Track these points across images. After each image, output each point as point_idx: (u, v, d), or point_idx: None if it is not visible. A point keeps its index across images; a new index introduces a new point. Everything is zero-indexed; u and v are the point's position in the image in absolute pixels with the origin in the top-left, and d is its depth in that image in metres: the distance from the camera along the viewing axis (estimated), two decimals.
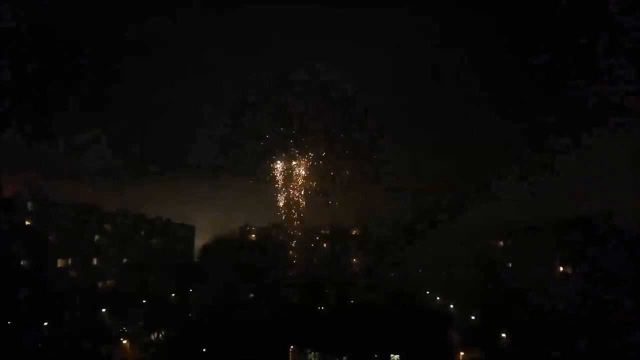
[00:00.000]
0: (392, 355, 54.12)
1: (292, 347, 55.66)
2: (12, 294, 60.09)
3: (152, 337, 58.18)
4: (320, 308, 65.68)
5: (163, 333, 57.93)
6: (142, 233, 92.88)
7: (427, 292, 74.39)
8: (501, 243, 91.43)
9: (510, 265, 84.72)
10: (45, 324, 56.49)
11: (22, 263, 70.50)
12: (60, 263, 75.70)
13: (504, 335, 57.42)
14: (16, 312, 56.86)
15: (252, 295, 69.63)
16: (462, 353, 55.45)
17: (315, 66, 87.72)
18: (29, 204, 78.24)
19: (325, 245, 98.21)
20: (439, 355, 53.85)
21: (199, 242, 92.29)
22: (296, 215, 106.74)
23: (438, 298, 72.83)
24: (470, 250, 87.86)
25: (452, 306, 69.04)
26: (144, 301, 68.05)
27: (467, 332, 59.35)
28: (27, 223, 77.66)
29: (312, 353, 55.21)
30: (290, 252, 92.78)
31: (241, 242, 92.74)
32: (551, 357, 51.39)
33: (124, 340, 57.55)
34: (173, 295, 72.62)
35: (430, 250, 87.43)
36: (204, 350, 53.34)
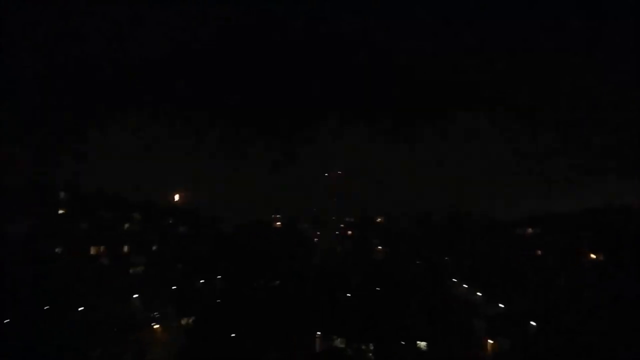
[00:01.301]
0: (418, 342, 53.95)
1: (318, 333, 56.02)
2: (47, 280, 62.46)
3: (182, 322, 59.51)
4: (347, 295, 65.87)
5: (192, 318, 59.16)
6: (170, 221, 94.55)
7: (454, 280, 73.71)
8: (530, 230, 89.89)
9: (539, 253, 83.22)
10: (80, 309, 58.37)
11: (56, 250, 72.82)
12: (92, 250, 77.66)
13: (532, 323, 56.42)
14: (51, 297, 59.06)
15: (278, 282, 70.33)
16: (489, 341, 54.81)
17: None
18: (62, 194, 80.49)
19: (350, 232, 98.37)
20: (465, 343, 53.50)
21: (226, 229, 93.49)
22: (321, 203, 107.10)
23: (465, 286, 72.11)
24: (497, 237, 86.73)
25: (478, 294, 68.29)
26: (173, 287, 69.64)
27: (494, 320, 58.69)
28: (60, 212, 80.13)
29: (338, 339, 55.42)
30: (316, 239, 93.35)
31: (267, 230, 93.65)
32: (581, 346, 50.34)
33: (154, 325, 59.08)
34: (201, 281, 73.97)
35: (457, 238, 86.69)
36: (232, 335, 54.25)
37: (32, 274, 62.86)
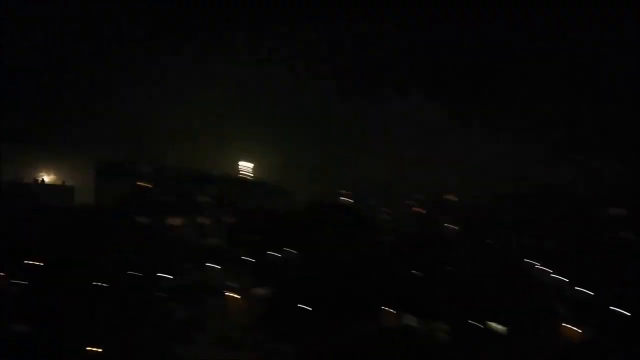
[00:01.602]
0: (489, 322, 52.64)
1: (385, 309, 56.18)
2: (132, 248, 67.62)
3: (257, 292, 62.14)
4: (417, 273, 65.22)
5: (266, 288, 61.64)
6: (241, 195, 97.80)
7: (531, 261, 70.46)
8: (617, 210, 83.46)
9: (626, 235, 77.40)
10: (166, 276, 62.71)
11: (137, 220, 78.13)
12: (171, 221, 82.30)
13: (618, 311, 52.98)
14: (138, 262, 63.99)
15: (347, 257, 70.80)
16: (568, 327, 52.27)
17: None
18: (147, 168, 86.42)
19: (420, 210, 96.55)
20: (542, 327, 51.53)
21: (296, 204, 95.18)
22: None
23: (543, 267, 68.82)
24: (580, 217, 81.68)
25: (558, 276, 64.94)
26: (247, 258, 72.30)
27: (575, 305, 55.94)
28: (139, 184, 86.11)
29: (406, 316, 55.30)
30: (385, 216, 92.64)
31: (334, 205, 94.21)
32: None
33: (230, 293, 62.13)
34: (274, 254, 75.87)
35: (534, 217, 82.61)
36: (303, 305, 56.07)
37: (120, 242, 68.40)
